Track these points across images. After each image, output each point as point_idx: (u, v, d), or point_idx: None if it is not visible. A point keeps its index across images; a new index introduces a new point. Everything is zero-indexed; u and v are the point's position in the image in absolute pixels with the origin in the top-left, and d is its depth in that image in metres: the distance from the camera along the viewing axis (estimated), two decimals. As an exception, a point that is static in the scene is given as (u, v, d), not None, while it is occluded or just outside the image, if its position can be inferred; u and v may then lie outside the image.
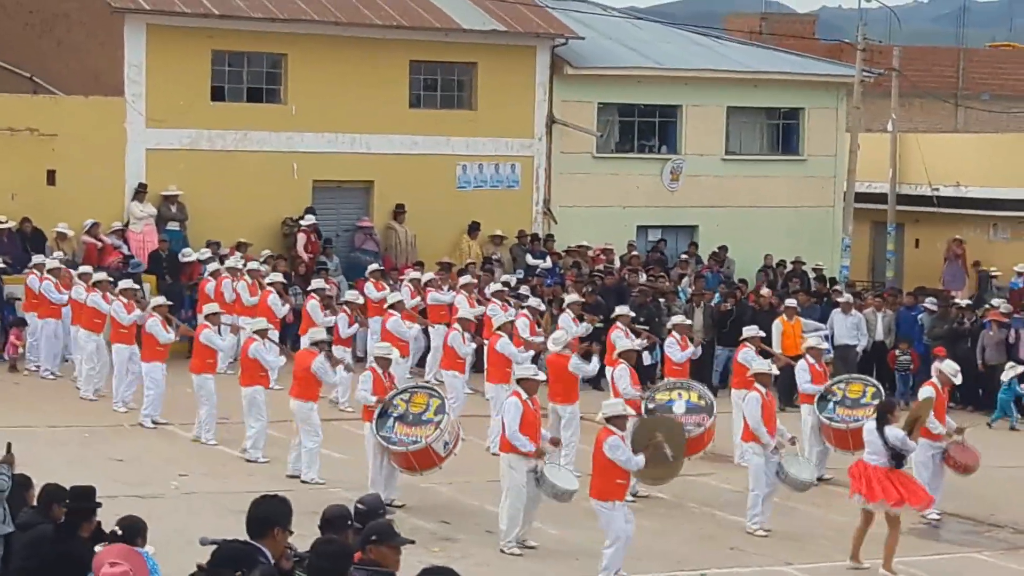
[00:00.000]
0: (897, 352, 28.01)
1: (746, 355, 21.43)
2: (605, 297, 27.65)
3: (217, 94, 30.07)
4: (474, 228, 31.77)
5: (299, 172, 30.57)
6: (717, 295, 28.83)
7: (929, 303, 28.74)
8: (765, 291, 29.11)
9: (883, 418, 16.71)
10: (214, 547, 8.04)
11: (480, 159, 32.50)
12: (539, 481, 16.41)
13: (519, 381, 16.98)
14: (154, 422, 21.89)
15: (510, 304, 24.98)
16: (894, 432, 16.52)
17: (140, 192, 28.91)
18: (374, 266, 27.66)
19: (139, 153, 29.20)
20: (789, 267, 32.91)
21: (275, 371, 21.75)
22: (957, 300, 29.72)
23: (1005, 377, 26.29)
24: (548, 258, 31.60)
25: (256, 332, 20.52)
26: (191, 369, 21.26)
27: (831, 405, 20.37)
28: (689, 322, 23.88)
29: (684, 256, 33.09)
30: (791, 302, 26.38)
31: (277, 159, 30.32)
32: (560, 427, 19.89)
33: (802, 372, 21.05)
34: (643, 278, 29.69)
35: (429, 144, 31.73)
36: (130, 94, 29.11)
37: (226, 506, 16.49)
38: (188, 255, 28.02)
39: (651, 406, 19.59)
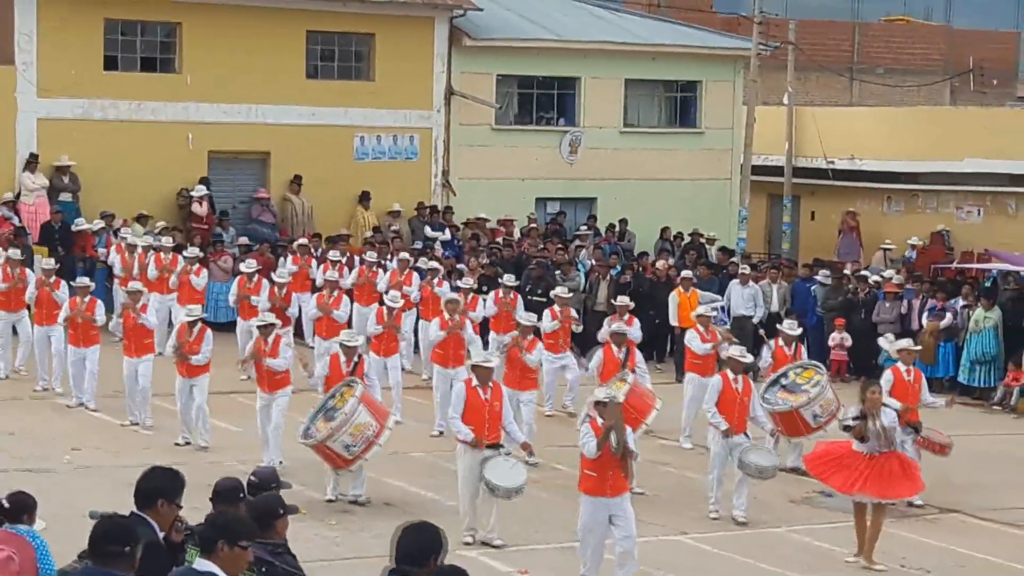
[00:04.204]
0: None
1: (690, 337, 21.22)
2: (504, 269, 27.66)
3: (110, 63, 29.66)
4: (365, 198, 31.60)
5: (194, 143, 30.25)
6: (618, 267, 28.93)
7: (822, 276, 29.01)
8: (661, 263, 29.28)
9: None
10: (100, 521, 7.93)
11: (378, 131, 32.31)
12: (480, 475, 15.65)
13: (472, 368, 16.37)
14: (81, 404, 21.27)
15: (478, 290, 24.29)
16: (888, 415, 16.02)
17: (31, 163, 28.49)
18: (301, 240, 27.54)
19: (30, 123, 28.76)
20: (687, 239, 33.11)
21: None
22: (848, 271, 30.02)
23: None
24: (447, 230, 31.53)
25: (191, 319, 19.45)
26: (126, 353, 20.51)
27: (775, 388, 19.16)
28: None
29: (584, 228, 33.14)
30: (687, 274, 26.56)
31: (172, 129, 29.96)
32: (520, 414, 19.06)
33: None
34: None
35: (326, 115, 31.50)
36: (21, 63, 28.63)
37: (121, 479, 16.26)
38: (80, 225, 27.69)
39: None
